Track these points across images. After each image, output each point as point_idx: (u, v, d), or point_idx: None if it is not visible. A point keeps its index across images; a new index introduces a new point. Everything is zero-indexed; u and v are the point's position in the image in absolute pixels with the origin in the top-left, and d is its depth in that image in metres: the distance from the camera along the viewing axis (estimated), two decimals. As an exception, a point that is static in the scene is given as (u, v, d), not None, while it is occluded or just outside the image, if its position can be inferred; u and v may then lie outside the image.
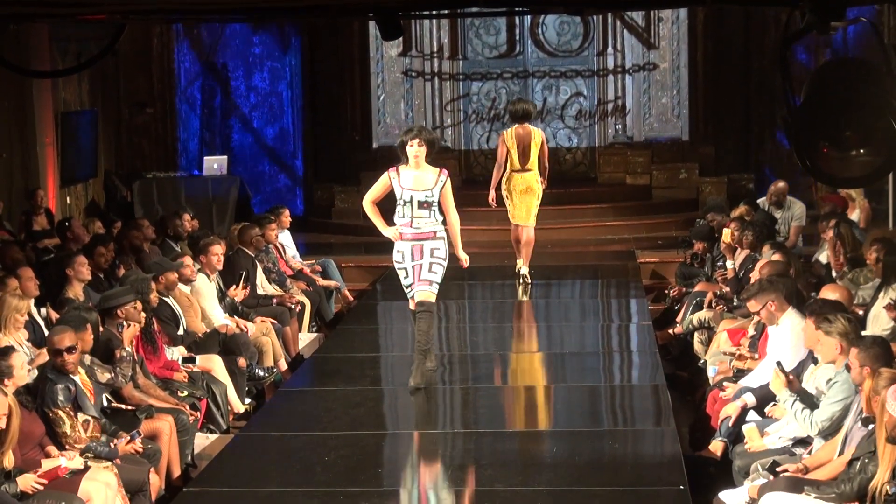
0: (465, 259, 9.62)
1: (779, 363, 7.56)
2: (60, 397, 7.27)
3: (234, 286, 11.20)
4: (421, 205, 9.20)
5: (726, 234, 11.52)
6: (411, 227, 9.23)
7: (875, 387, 6.22)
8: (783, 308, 8.45)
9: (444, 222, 9.36)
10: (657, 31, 17.66)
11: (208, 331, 10.22)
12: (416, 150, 9.18)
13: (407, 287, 9.38)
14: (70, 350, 7.47)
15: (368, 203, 9.43)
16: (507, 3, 10.32)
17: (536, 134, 12.86)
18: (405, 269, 9.30)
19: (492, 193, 13.03)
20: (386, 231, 9.35)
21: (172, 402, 8.70)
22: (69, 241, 12.08)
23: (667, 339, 11.40)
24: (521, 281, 12.99)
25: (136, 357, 8.70)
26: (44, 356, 7.94)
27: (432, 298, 9.25)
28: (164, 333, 9.55)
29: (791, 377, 7.43)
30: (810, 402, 7.22)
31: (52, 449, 7.07)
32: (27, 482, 6.54)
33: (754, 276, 9.66)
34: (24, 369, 7.04)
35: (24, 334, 8.49)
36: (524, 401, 9.51)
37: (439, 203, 9.27)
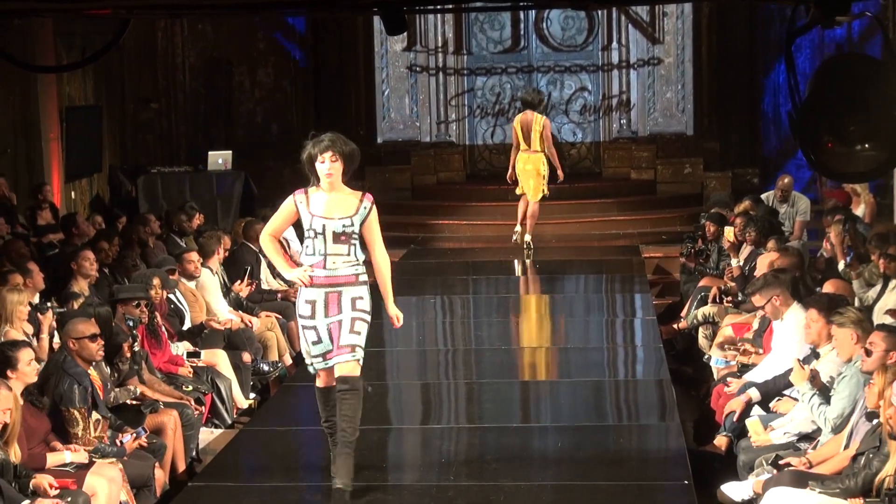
0: (397, 316, 7.17)
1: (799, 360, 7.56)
2: (77, 398, 7.27)
3: (239, 281, 11.22)
4: (337, 237, 6.91)
5: (728, 233, 11.51)
6: (324, 267, 6.93)
7: (886, 381, 6.21)
8: (788, 303, 8.45)
9: (366, 262, 7.11)
10: (662, 26, 17.62)
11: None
12: (328, 166, 6.94)
13: (316, 357, 7.02)
14: (94, 337, 7.51)
15: (267, 237, 7.15)
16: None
17: (538, 120, 14.40)
18: (314, 328, 6.97)
19: (510, 171, 14.67)
20: (290, 273, 7.05)
21: (177, 396, 8.72)
22: (75, 236, 12.09)
23: (671, 334, 11.40)
24: (524, 248, 14.49)
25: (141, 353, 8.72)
26: (44, 345, 7.93)
27: (357, 371, 6.91)
28: (169, 328, 9.56)
29: (816, 371, 7.39)
30: (827, 396, 7.21)
31: (56, 444, 7.06)
32: (41, 482, 6.52)
33: (758, 271, 9.66)
34: (31, 366, 7.01)
35: (29, 328, 8.49)
36: (529, 396, 9.50)
37: (361, 238, 7.04)
